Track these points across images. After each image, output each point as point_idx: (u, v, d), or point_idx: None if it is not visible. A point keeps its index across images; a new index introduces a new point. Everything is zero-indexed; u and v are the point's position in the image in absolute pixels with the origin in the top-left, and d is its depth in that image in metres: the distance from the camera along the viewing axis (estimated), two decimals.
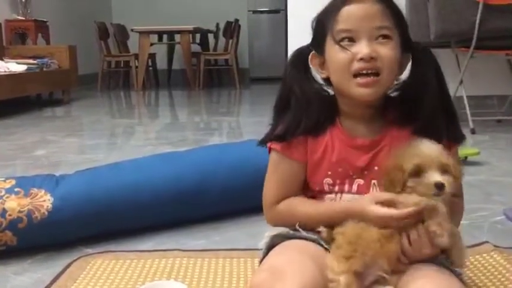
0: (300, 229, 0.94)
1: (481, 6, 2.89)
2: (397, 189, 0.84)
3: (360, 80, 0.87)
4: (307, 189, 0.99)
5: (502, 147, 2.76)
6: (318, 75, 0.97)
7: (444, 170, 0.83)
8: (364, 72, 0.87)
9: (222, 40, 7.40)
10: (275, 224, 1.00)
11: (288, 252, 0.89)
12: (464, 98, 3.19)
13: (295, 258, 0.86)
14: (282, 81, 0.98)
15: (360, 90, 0.88)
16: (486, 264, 1.26)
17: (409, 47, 0.93)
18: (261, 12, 7.81)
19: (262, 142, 0.99)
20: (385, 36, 0.87)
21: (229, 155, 1.64)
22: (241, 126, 3.85)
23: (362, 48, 0.86)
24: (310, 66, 0.96)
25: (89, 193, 1.43)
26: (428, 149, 0.84)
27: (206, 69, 6.96)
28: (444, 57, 3.48)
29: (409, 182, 0.83)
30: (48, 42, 5.75)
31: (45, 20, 5.72)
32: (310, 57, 0.96)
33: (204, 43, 7.50)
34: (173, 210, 1.54)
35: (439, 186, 0.81)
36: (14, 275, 1.29)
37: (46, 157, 2.71)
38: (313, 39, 0.96)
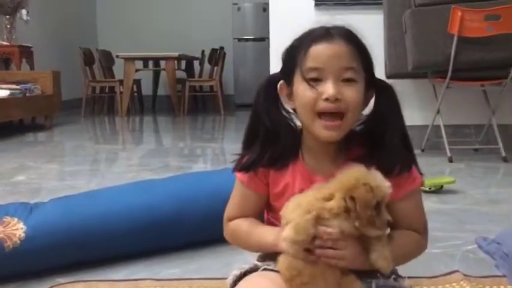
0: (259, 263, 0.96)
1: (455, 38, 2.98)
2: (368, 212, 0.86)
3: (324, 122, 0.90)
4: (274, 211, 1.01)
5: (478, 176, 2.82)
6: (286, 105, 0.99)
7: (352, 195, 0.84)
8: (328, 111, 0.89)
9: (207, 67, 7.48)
10: (229, 240, 1.05)
11: (254, 283, 0.91)
12: (442, 126, 3.26)
13: (261, 286, 0.87)
14: (252, 109, 1.00)
15: (324, 132, 0.90)
16: None
17: (374, 83, 0.96)
18: (246, 40, 7.92)
19: (232, 171, 1.02)
20: (350, 80, 0.90)
21: (206, 184, 1.65)
22: (226, 152, 3.87)
23: (328, 88, 0.88)
24: (279, 94, 0.98)
25: (62, 222, 1.43)
26: (384, 184, 0.86)
27: (191, 96, 7.01)
28: (422, 87, 3.58)
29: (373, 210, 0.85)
30: (32, 67, 5.75)
31: (29, 45, 5.74)
32: (279, 86, 0.98)
33: (189, 70, 7.56)
34: (149, 239, 1.54)
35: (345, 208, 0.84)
36: None
37: (25, 183, 2.69)
38: (282, 70, 0.98)
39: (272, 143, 0.96)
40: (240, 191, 1.03)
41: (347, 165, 0.95)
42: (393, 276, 0.94)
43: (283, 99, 0.98)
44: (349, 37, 0.91)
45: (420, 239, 0.98)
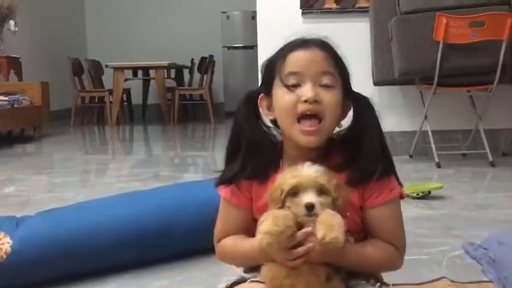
0: (246, 274, 0.96)
1: (441, 45, 3.01)
2: (277, 206, 0.88)
3: (303, 127, 0.92)
4: None
5: (466, 181, 2.84)
6: (266, 118, 1.01)
7: (321, 191, 0.87)
8: (308, 113, 0.91)
9: (197, 75, 7.49)
10: (221, 259, 1.05)
11: None
12: (429, 132, 3.29)
13: None
14: (233, 122, 1.02)
15: (303, 137, 0.92)
16: None
17: (351, 95, 0.98)
18: (236, 48, 7.95)
19: (215, 186, 1.02)
20: (328, 86, 0.92)
21: (193, 195, 1.65)
22: (216, 161, 3.87)
23: (307, 91, 0.91)
24: (259, 107, 1.00)
25: (50, 235, 1.42)
26: (308, 171, 0.88)
27: (181, 104, 7.01)
28: (409, 93, 3.61)
29: (287, 201, 0.87)
30: (20, 78, 5.73)
31: (17, 56, 5.71)
32: (259, 99, 1.00)
33: (179, 78, 7.57)
34: (137, 251, 1.54)
35: (309, 207, 0.85)
36: None
37: (13, 196, 2.68)
38: (262, 82, 1.01)
39: (253, 156, 0.98)
40: (224, 209, 1.03)
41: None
42: (378, 284, 0.95)
43: (263, 111, 1.00)
44: (326, 46, 0.94)
45: (396, 254, 0.97)
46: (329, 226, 0.84)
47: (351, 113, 0.99)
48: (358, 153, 0.95)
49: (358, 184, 0.95)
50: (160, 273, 1.53)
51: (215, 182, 1.02)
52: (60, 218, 1.50)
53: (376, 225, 0.97)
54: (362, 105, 0.98)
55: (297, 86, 0.92)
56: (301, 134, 0.92)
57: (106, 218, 1.51)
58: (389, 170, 0.97)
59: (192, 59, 7.65)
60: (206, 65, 7.05)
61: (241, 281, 0.98)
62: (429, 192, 2.39)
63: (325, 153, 0.98)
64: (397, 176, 0.99)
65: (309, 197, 0.86)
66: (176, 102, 6.73)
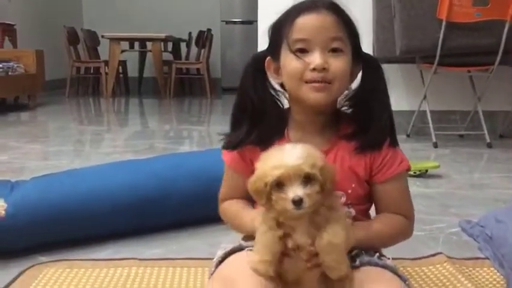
0: (244, 242, 0.96)
1: (444, 23, 2.97)
2: (262, 200, 0.83)
3: (311, 84, 0.89)
4: None
5: (462, 161, 2.84)
6: (273, 81, 0.99)
7: (307, 179, 0.79)
8: (316, 81, 0.89)
9: (194, 49, 7.39)
10: (223, 219, 1.05)
11: (238, 263, 0.90)
12: (428, 112, 3.27)
13: (246, 267, 0.86)
14: (239, 87, 0.99)
15: (312, 94, 0.90)
16: (439, 275, 1.29)
17: (361, 57, 0.96)
18: (234, 22, 7.84)
19: (221, 149, 1.01)
20: (337, 50, 0.89)
21: (188, 164, 1.63)
22: (212, 135, 3.85)
23: (315, 58, 0.88)
24: (267, 71, 0.97)
25: (44, 200, 1.41)
26: (291, 159, 0.80)
27: (177, 78, 6.93)
28: (409, 73, 3.58)
29: (273, 194, 0.81)
30: (15, 45, 5.63)
31: (12, 23, 5.61)
32: (266, 63, 0.97)
33: (176, 52, 7.47)
34: (131, 219, 1.53)
35: (296, 202, 0.78)
36: None
37: (7, 163, 2.65)
38: (269, 45, 0.98)
39: (259, 121, 0.96)
40: (228, 175, 1.03)
41: (334, 141, 0.95)
42: (376, 255, 0.94)
43: (271, 75, 0.97)
44: (335, 8, 0.91)
45: (406, 224, 0.98)
46: (333, 250, 0.81)
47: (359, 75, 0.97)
48: (368, 121, 0.94)
49: (367, 151, 0.94)
50: (156, 242, 1.53)
51: (221, 146, 1.01)
52: (54, 183, 1.48)
53: (387, 199, 0.97)
54: (371, 69, 0.96)
55: (305, 51, 0.89)
56: (309, 92, 0.90)
57: (101, 184, 1.50)
58: (396, 141, 0.96)
59: (190, 33, 7.54)
60: (204, 39, 6.96)
61: (239, 248, 0.97)
62: (426, 170, 2.39)
63: (333, 121, 0.97)
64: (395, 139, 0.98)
65: (295, 190, 0.78)
66: (173, 76, 6.65)
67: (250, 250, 0.94)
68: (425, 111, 3.30)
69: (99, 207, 1.46)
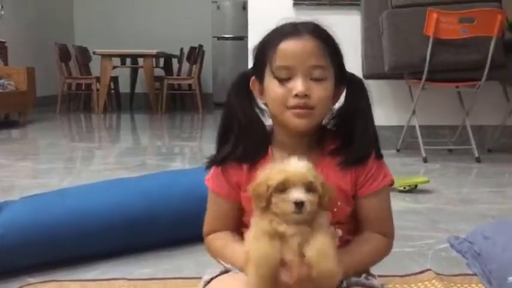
0: (231, 266, 0.96)
1: (431, 40, 3.02)
2: (262, 203, 0.84)
3: (294, 110, 0.91)
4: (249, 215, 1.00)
5: (452, 176, 2.86)
6: (258, 100, 1.00)
7: (309, 188, 0.83)
8: (299, 107, 0.91)
9: (185, 65, 7.43)
10: (210, 253, 1.03)
11: (223, 285, 0.90)
12: (417, 127, 3.31)
13: (233, 285, 0.86)
14: (225, 106, 1.00)
15: (295, 120, 0.91)
16: None
17: (344, 77, 0.97)
18: (226, 38, 7.90)
19: (205, 168, 1.01)
20: (319, 79, 0.91)
21: (180, 182, 1.64)
22: (204, 151, 3.85)
23: (297, 85, 0.89)
24: (252, 90, 0.99)
25: (33, 220, 1.40)
26: (295, 166, 0.84)
27: (169, 94, 6.96)
28: (398, 88, 3.63)
29: (273, 197, 0.83)
30: (6, 63, 5.63)
31: (3, 40, 5.61)
32: (251, 83, 0.99)
33: (167, 67, 7.50)
34: (121, 238, 1.52)
35: (298, 204, 0.81)
36: None
37: None
38: (254, 66, 0.99)
39: (244, 137, 0.97)
40: (212, 202, 1.02)
41: (319, 160, 0.95)
42: (364, 275, 0.95)
43: (256, 94, 0.99)
44: (318, 32, 0.92)
45: (386, 242, 0.99)
46: (324, 257, 0.81)
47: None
48: (352, 136, 0.95)
49: (353, 166, 0.95)
50: (146, 261, 1.52)
51: (205, 165, 1.01)
52: (43, 203, 1.48)
53: (370, 214, 0.97)
54: (355, 87, 0.97)
55: (287, 78, 0.91)
56: (292, 117, 0.91)
57: (90, 204, 1.49)
58: (381, 154, 0.98)
59: (182, 49, 7.59)
60: (195, 54, 7.00)
61: (225, 272, 0.97)
62: (416, 186, 2.41)
63: (317, 140, 0.98)
64: (379, 151, 0.99)
65: (298, 194, 0.81)
66: (164, 92, 6.67)
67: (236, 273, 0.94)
68: (414, 126, 3.33)
69: (89, 227, 1.46)
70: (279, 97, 0.91)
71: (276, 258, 0.82)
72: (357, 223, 1.00)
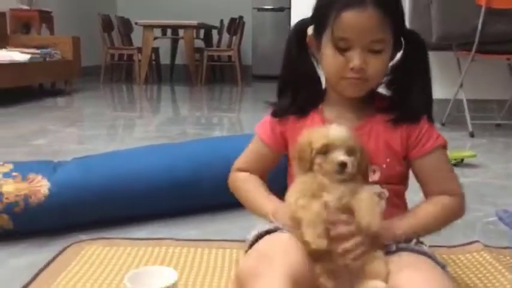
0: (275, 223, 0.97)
1: (483, 10, 2.89)
2: (306, 165, 0.90)
3: (349, 80, 0.92)
4: None
5: (499, 151, 2.77)
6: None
7: (350, 152, 0.88)
8: (354, 78, 0.91)
9: (225, 36, 7.41)
10: (230, 187, 1.10)
11: (275, 241, 0.91)
12: (464, 101, 3.20)
13: (282, 245, 0.88)
14: (283, 59, 1.02)
15: (349, 89, 0.94)
16: (475, 263, 1.27)
17: (403, 37, 0.96)
18: (266, 9, 7.81)
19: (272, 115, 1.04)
20: (377, 51, 0.90)
21: (223, 148, 1.65)
22: (242, 122, 3.87)
23: (354, 58, 0.90)
24: (309, 46, 0.99)
25: (85, 180, 1.45)
26: (337, 131, 0.89)
27: (209, 65, 6.97)
28: (445, 60, 3.50)
29: (316, 159, 0.88)
30: (52, 32, 5.76)
31: (49, 10, 5.73)
32: (308, 39, 0.99)
33: (207, 39, 7.50)
34: (167, 200, 1.56)
35: (342, 165, 0.86)
36: (10, 258, 1.31)
37: (45, 146, 2.73)
38: (313, 20, 0.97)
39: (302, 92, 0.99)
40: (256, 145, 1.07)
41: (369, 116, 0.97)
42: (414, 241, 0.94)
43: (312, 50, 0.99)
44: (382, 3, 0.89)
45: (453, 201, 0.97)
46: (368, 209, 0.86)
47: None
48: (407, 95, 0.94)
49: (403, 122, 0.94)
50: (191, 224, 1.56)
51: (269, 113, 1.04)
52: (95, 164, 1.53)
53: (428, 175, 0.96)
54: (414, 44, 0.96)
55: (346, 49, 0.90)
56: (346, 87, 0.93)
57: (138, 166, 1.54)
58: (432, 119, 0.97)
59: (222, 20, 7.55)
60: (235, 26, 6.96)
61: (274, 230, 0.97)
62: (462, 160, 2.35)
63: (368, 97, 0.98)
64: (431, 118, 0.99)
65: (341, 156, 0.87)
66: (204, 63, 6.69)
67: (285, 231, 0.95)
68: (461, 100, 3.23)
69: (136, 188, 1.50)
70: (335, 67, 0.92)
71: (324, 217, 0.86)
72: (421, 188, 0.99)
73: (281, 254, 0.85)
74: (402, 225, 0.92)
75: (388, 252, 0.90)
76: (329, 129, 0.89)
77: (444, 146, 0.98)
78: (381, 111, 0.96)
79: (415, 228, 0.93)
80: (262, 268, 0.82)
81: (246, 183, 1.06)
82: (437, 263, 0.90)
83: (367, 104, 0.98)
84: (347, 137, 0.88)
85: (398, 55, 0.97)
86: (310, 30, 0.98)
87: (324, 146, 0.87)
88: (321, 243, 0.84)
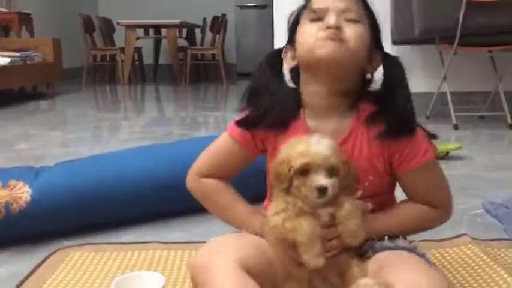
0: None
1: (464, 2, 2.91)
2: (284, 184, 0.84)
3: (324, 36, 0.87)
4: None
5: (483, 143, 2.80)
6: (288, 67, 0.98)
7: (331, 172, 0.82)
8: (329, 39, 0.87)
9: (209, 35, 7.38)
10: (194, 194, 1.03)
11: (233, 234, 0.95)
12: (448, 94, 3.22)
13: (238, 237, 0.91)
14: (257, 70, 0.98)
15: (325, 48, 0.86)
16: (464, 256, 1.27)
17: (380, 46, 0.95)
18: (249, 7, 7.78)
19: (236, 124, 0.98)
20: (353, 20, 0.89)
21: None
22: (228, 121, 3.85)
23: (329, 19, 0.88)
24: (283, 59, 0.97)
25: (68, 185, 1.42)
26: (319, 147, 0.82)
27: (193, 64, 6.93)
28: (428, 54, 3.53)
29: (295, 180, 0.83)
30: (32, 35, 5.67)
31: (29, 12, 5.64)
32: (284, 51, 0.97)
33: (190, 38, 7.46)
34: (153, 203, 1.54)
35: (321, 190, 0.81)
36: None
37: (28, 150, 2.69)
38: (288, 35, 0.98)
39: (274, 104, 0.94)
40: (224, 145, 1.00)
41: (352, 128, 0.92)
42: (386, 238, 0.93)
43: (286, 62, 0.97)
44: None
45: (436, 213, 0.96)
46: (352, 218, 0.84)
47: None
48: (391, 107, 0.90)
49: (389, 138, 0.90)
50: (177, 226, 1.54)
51: (235, 121, 0.98)
52: (78, 168, 1.50)
53: (413, 188, 0.95)
54: (392, 64, 0.94)
55: (321, 19, 0.89)
56: (322, 46, 0.86)
57: (122, 169, 1.51)
58: (417, 130, 0.92)
59: (204, 18, 7.52)
60: (218, 24, 6.93)
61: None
62: (447, 153, 2.36)
63: (351, 104, 0.93)
64: (429, 133, 0.95)
65: (321, 179, 0.81)
66: (188, 62, 6.65)
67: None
68: (445, 93, 3.25)
69: (121, 192, 1.48)
70: (310, 32, 0.89)
71: (317, 235, 0.83)
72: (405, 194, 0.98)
73: (230, 246, 0.86)
74: (375, 225, 0.91)
75: (366, 257, 0.90)
76: (309, 145, 0.83)
77: (434, 158, 0.94)
78: (365, 121, 0.91)
79: (387, 229, 0.93)
80: (210, 261, 0.83)
81: (221, 196, 1.00)
82: (416, 254, 0.90)
83: (350, 112, 0.93)
84: (329, 154, 0.82)
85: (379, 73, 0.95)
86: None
87: (303, 166, 0.81)
88: (319, 263, 0.82)
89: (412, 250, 0.91)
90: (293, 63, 0.96)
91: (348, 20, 0.88)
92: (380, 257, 0.88)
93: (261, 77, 0.97)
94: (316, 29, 0.88)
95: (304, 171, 0.81)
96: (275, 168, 0.85)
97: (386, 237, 0.93)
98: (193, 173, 1.02)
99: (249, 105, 0.97)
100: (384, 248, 0.90)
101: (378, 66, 0.95)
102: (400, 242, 0.93)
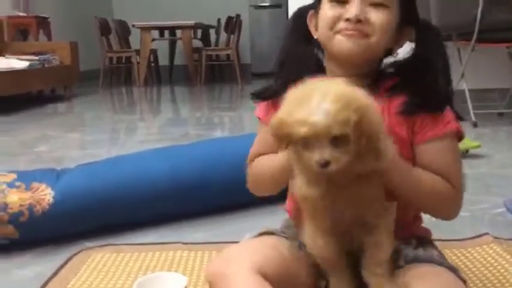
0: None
1: None
2: (283, 146, 0.74)
3: (343, 32, 0.83)
4: None
5: (503, 140, 2.76)
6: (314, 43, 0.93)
7: (338, 140, 0.69)
8: (349, 33, 0.83)
9: (223, 35, 7.39)
10: (250, 180, 0.98)
11: (248, 242, 0.90)
12: (466, 91, 3.18)
13: (255, 241, 0.87)
14: (282, 42, 0.95)
15: (343, 43, 0.82)
16: (486, 256, 1.26)
17: (413, 19, 0.88)
18: (263, 7, 7.78)
19: (251, 98, 0.97)
20: (379, 4, 0.82)
21: (229, 149, 1.64)
22: (243, 121, 3.85)
23: (351, 7, 0.81)
24: (309, 25, 0.92)
25: (89, 187, 1.44)
26: (319, 114, 0.68)
27: (208, 65, 6.95)
28: None
29: (293, 150, 0.74)
30: (49, 38, 5.75)
31: (46, 16, 5.72)
32: (308, 17, 0.92)
33: (205, 38, 7.48)
34: (173, 204, 1.55)
35: (323, 165, 0.69)
36: (17, 269, 1.30)
37: (48, 152, 2.73)
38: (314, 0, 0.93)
39: (296, 72, 0.88)
40: (260, 130, 0.97)
41: (375, 95, 0.81)
42: (421, 249, 0.89)
43: (312, 30, 0.92)
44: None
45: (451, 190, 0.85)
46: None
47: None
48: (417, 80, 0.85)
49: (412, 114, 0.84)
50: (198, 227, 1.55)
51: (253, 95, 0.96)
52: (98, 170, 1.52)
53: (427, 161, 0.85)
54: (427, 39, 0.87)
55: (343, 3, 0.83)
56: (341, 42, 0.82)
57: (142, 170, 1.53)
58: (446, 103, 0.86)
59: (219, 19, 7.54)
60: (233, 24, 6.94)
61: (269, 232, 0.94)
62: (467, 151, 2.33)
63: (372, 82, 0.87)
64: (457, 113, 0.88)
65: (322, 152, 0.69)
66: (203, 63, 6.68)
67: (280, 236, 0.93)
68: (463, 90, 3.21)
69: (141, 193, 1.49)
70: (328, 20, 0.84)
71: (326, 201, 0.76)
72: None
73: (247, 251, 0.84)
74: (398, 168, 0.81)
75: (397, 267, 0.84)
76: (310, 110, 0.68)
77: (455, 135, 0.87)
78: (390, 91, 0.86)
79: (405, 181, 0.83)
80: (228, 267, 0.80)
81: (257, 162, 0.95)
82: (448, 267, 0.86)
83: (372, 82, 0.87)
84: (332, 121, 0.67)
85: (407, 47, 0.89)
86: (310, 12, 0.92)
87: (304, 138, 0.69)
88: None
89: (444, 263, 0.86)
90: (316, 36, 0.91)
91: (374, 5, 0.81)
92: (411, 270, 0.83)
93: (288, 45, 0.94)
94: (335, 15, 0.83)
95: (305, 143, 0.70)
96: (274, 128, 0.73)
97: (421, 248, 0.88)
98: (247, 164, 0.99)
99: (275, 79, 0.94)
100: (418, 259, 0.86)
101: (407, 37, 0.89)
102: (435, 252, 0.89)
